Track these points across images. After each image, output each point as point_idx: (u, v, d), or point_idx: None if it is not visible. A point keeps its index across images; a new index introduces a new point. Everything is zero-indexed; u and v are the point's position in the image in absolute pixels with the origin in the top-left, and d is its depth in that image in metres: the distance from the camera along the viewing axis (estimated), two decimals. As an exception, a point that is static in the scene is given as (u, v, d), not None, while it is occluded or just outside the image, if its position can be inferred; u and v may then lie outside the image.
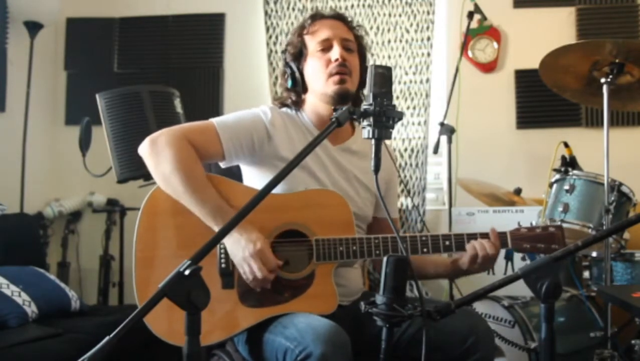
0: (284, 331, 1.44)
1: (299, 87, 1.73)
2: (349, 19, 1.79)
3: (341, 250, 1.55)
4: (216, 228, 1.50)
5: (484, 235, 1.60)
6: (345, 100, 1.68)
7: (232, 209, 1.52)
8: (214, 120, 1.65)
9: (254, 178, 1.71)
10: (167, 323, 1.48)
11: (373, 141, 1.21)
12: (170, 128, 1.60)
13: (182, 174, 1.52)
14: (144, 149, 1.59)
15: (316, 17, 1.75)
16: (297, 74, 1.73)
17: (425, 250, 1.57)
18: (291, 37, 1.77)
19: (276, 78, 3.49)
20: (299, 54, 1.73)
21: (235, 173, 1.77)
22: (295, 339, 1.38)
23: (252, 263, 1.47)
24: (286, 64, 1.76)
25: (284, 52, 1.79)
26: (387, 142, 1.80)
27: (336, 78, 1.67)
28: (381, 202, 1.25)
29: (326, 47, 1.70)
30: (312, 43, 1.71)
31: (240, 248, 1.48)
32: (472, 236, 1.59)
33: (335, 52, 1.68)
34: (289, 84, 1.74)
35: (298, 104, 1.76)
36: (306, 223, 1.58)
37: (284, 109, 1.77)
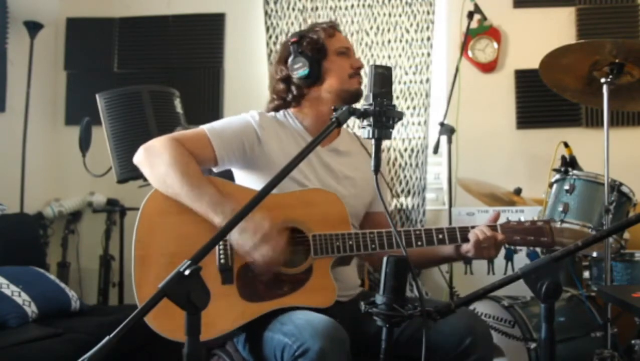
0: (282, 328, 1.45)
1: (311, 79, 1.75)
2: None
3: (338, 245, 1.58)
4: (216, 220, 1.50)
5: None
6: (357, 100, 1.78)
7: (230, 200, 1.53)
8: (204, 127, 1.68)
9: (247, 181, 1.73)
10: (167, 320, 1.46)
11: (373, 141, 1.21)
12: (162, 136, 1.63)
13: (178, 172, 1.54)
14: (139, 157, 1.62)
15: (334, 26, 1.84)
16: (316, 65, 1.74)
17: (419, 243, 1.61)
18: (307, 32, 1.80)
19: (276, 78, 3.49)
20: (320, 49, 1.76)
21: (229, 178, 1.78)
22: (293, 335, 1.39)
23: (264, 247, 1.48)
24: (300, 53, 1.75)
25: (295, 43, 1.76)
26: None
27: (357, 79, 1.79)
28: (381, 200, 1.26)
29: (345, 52, 1.79)
30: (336, 45, 1.79)
31: (248, 236, 1.48)
32: (464, 229, 1.63)
33: (358, 60, 1.81)
34: (303, 73, 1.74)
35: (289, 103, 1.79)
36: (303, 221, 1.60)
37: (271, 114, 1.80)
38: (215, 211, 1.50)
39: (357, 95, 1.77)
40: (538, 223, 1.65)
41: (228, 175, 1.79)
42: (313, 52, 1.75)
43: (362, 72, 1.81)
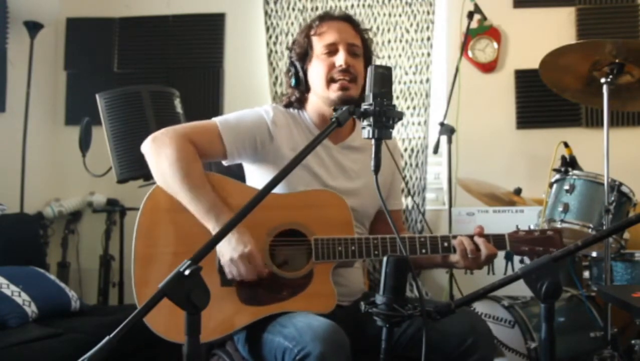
0: (282, 331, 1.44)
1: (302, 86, 1.74)
2: (357, 21, 1.77)
3: (340, 250, 1.55)
4: (210, 226, 1.50)
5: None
6: (347, 105, 1.69)
7: (227, 208, 1.53)
8: (216, 120, 1.66)
9: (257, 176, 1.72)
10: (166, 321, 1.47)
11: (373, 141, 1.20)
12: (172, 127, 1.62)
13: (179, 171, 1.53)
14: (146, 146, 1.62)
15: (324, 18, 1.74)
16: (301, 74, 1.73)
17: (424, 250, 1.58)
18: (298, 36, 1.77)
19: (276, 78, 3.50)
20: (304, 54, 1.73)
21: (235, 173, 1.77)
22: (294, 338, 1.38)
23: (239, 265, 1.48)
24: (291, 63, 1.76)
25: (290, 50, 1.79)
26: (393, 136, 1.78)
27: (338, 85, 1.67)
28: (381, 202, 1.24)
29: (332, 50, 1.69)
30: (319, 45, 1.71)
31: (229, 248, 1.48)
32: (470, 238, 1.58)
33: (340, 58, 1.67)
34: (293, 82, 1.75)
35: (301, 102, 1.77)
36: (306, 223, 1.58)
37: (288, 108, 1.77)
38: (209, 216, 1.50)
39: (342, 102, 1.65)
40: (548, 233, 1.60)
41: (236, 169, 1.78)
42: (299, 59, 1.74)
43: (352, 70, 1.67)
